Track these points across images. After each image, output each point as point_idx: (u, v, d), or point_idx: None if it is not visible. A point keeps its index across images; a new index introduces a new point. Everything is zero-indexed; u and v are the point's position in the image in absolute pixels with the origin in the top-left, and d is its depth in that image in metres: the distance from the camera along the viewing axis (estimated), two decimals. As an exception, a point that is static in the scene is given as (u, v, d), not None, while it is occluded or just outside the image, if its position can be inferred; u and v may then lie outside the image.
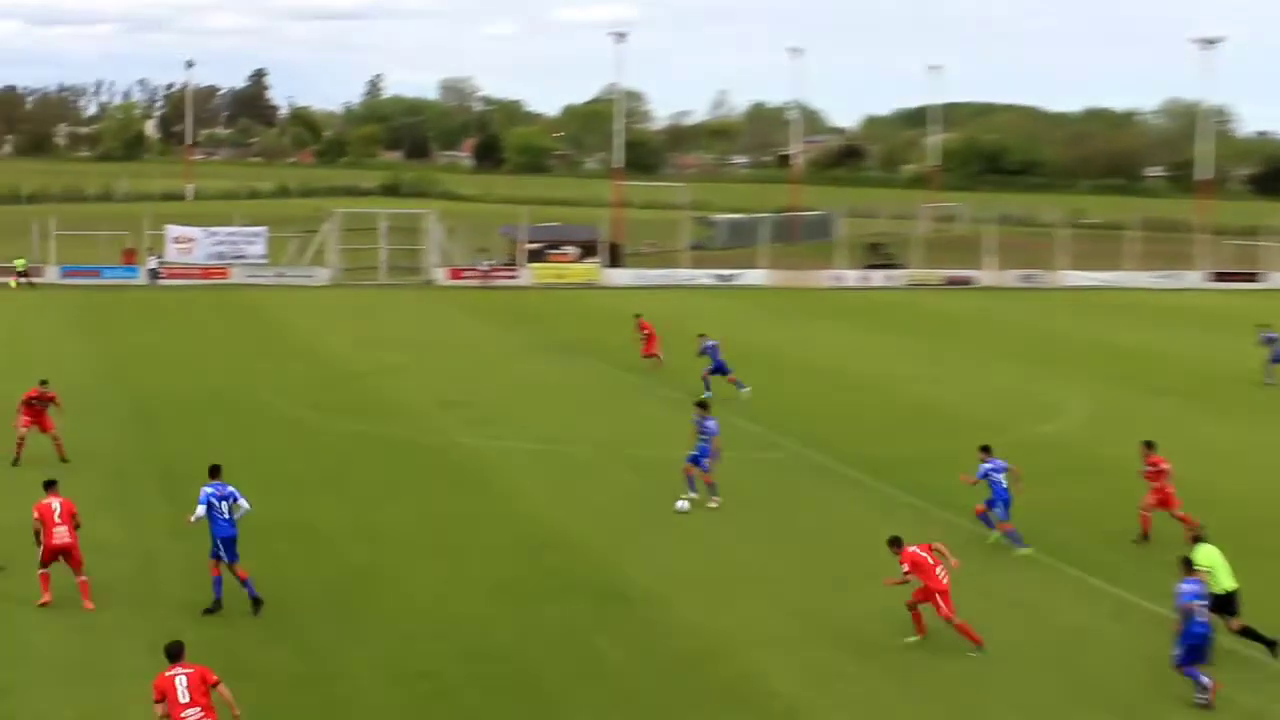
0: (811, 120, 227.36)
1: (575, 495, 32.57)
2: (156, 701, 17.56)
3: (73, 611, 23.64)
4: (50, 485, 25.02)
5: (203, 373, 48.14)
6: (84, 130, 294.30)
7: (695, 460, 31.72)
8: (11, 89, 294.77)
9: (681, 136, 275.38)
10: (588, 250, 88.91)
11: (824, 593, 26.10)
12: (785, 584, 26.59)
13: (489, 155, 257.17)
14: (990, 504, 28.85)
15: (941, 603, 22.95)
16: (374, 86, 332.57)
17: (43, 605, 23.75)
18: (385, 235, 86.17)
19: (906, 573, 23.13)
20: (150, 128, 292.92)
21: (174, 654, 18.13)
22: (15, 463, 33.72)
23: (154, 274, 79.87)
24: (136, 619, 23.60)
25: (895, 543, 23.59)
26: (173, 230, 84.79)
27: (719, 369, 45.67)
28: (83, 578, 24.13)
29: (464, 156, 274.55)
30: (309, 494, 32.13)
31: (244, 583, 24.00)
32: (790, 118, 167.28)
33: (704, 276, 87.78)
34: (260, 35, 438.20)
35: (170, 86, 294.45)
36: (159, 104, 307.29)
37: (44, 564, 24.10)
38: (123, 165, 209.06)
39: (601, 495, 32.82)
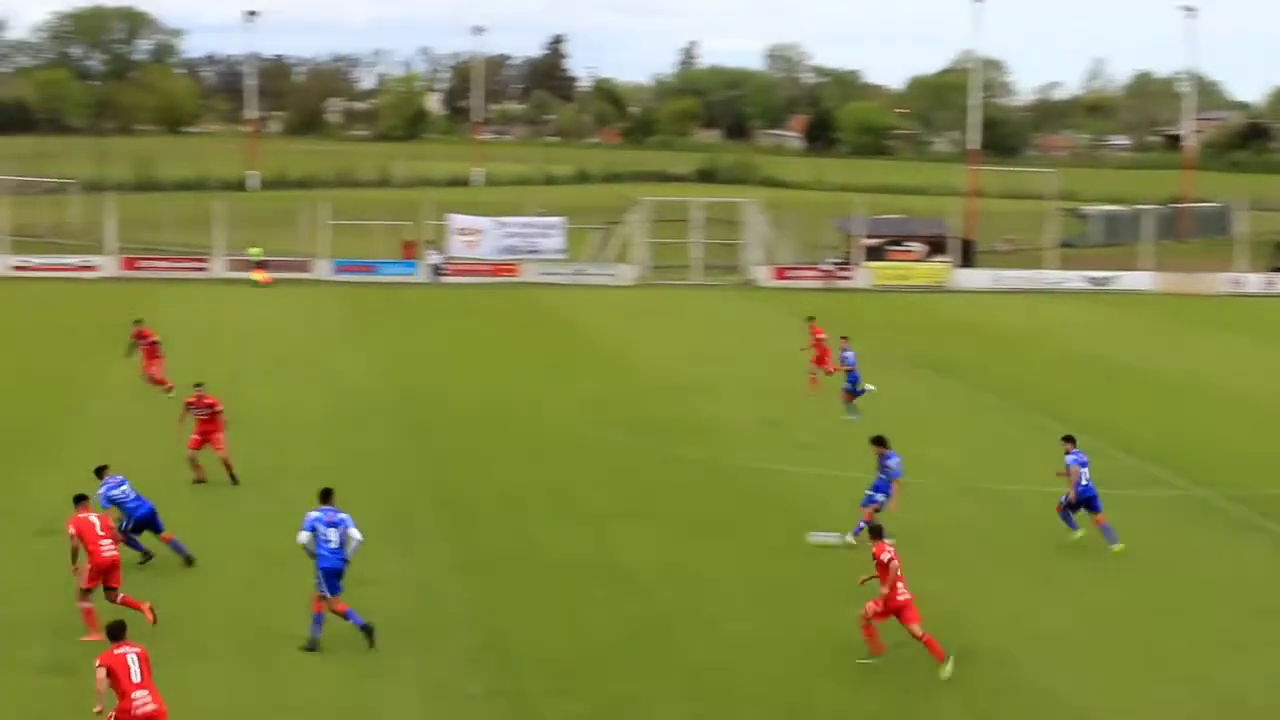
0: (1207, 94, 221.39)
1: (917, 534, 32.58)
2: (103, 676, 19.31)
3: (346, 654, 24.77)
4: (81, 500, 26.04)
5: (489, 385, 49.59)
6: (359, 106, 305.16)
7: (870, 499, 31.71)
8: (279, 59, 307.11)
9: (1048, 113, 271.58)
10: (935, 247, 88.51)
11: (1213, 657, 25.65)
12: (1165, 646, 26.20)
13: (820, 135, 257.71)
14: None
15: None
16: (688, 55, 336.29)
17: (90, 641, 23.94)
18: (700, 227, 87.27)
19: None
20: (433, 103, 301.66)
21: (117, 633, 19.92)
22: (198, 481, 35.09)
23: (436, 270, 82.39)
24: (414, 662, 24.60)
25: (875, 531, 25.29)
26: (457, 220, 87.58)
27: (854, 384, 46.12)
28: (123, 595, 25.27)
29: (791, 136, 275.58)
30: (611, 526, 32.92)
31: (346, 615, 24.83)
32: (1181, 91, 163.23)
33: (1074, 279, 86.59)
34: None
35: (456, 56, 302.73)
36: (443, 76, 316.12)
37: (88, 590, 25.06)
38: (402, 146, 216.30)
39: (949, 534, 32.75)
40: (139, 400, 45.48)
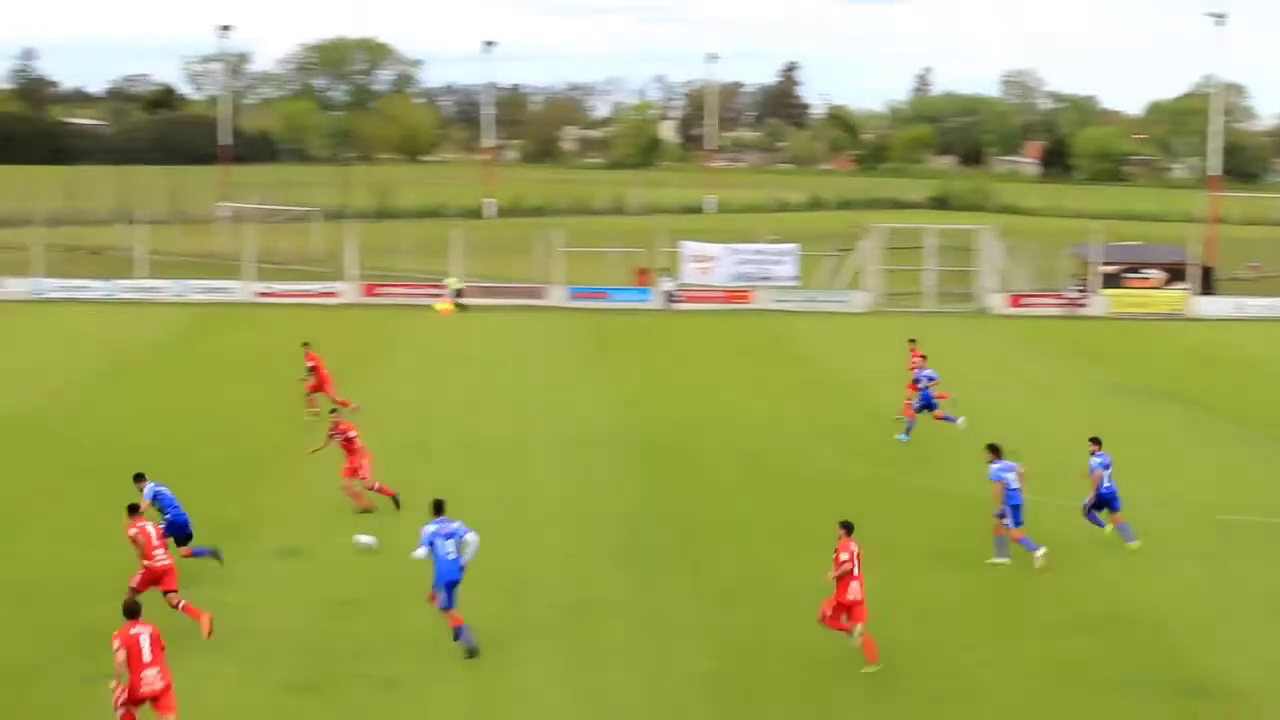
0: None
1: (1155, 566, 32.01)
2: (118, 650, 20.56)
3: (579, 676, 25.02)
4: (134, 510, 27.07)
5: (724, 412, 49.67)
6: (594, 134, 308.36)
7: (1002, 515, 31.82)
8: (515, 88, 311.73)
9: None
10: (1174, 274, 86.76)
11: None
12: None
13: (1056, 161, 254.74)
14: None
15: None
16: (922, 82, 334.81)
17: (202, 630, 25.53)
18: (933, 254, 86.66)
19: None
20: (666, 131, 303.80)
21: (133, 611, 21.12)
22: (397, 506, 35.23)
23: (670, 297, 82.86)
24: (647, 688, 24.73)
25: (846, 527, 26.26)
26: (690, 247, 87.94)
27: (927, 403, 45.50)
28: (183, 603, 26.24)
29: (1027, 163, 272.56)
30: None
31: (458, 630, 25.50)
32: None
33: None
34: (792, 25, 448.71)
35: (690, 84, 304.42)
36: (677, 104, 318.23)
37: (137, 590, 26.03)
38: (635, 173, 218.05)
39: (1188, 567, 32.15)
40: (378, 423, 46.36)
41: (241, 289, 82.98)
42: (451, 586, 25.62)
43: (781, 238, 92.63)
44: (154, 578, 26.59)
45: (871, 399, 52.68)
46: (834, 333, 72.61)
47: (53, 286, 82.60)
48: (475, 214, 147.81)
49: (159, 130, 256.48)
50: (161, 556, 26.69)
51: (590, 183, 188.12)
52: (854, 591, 25.71)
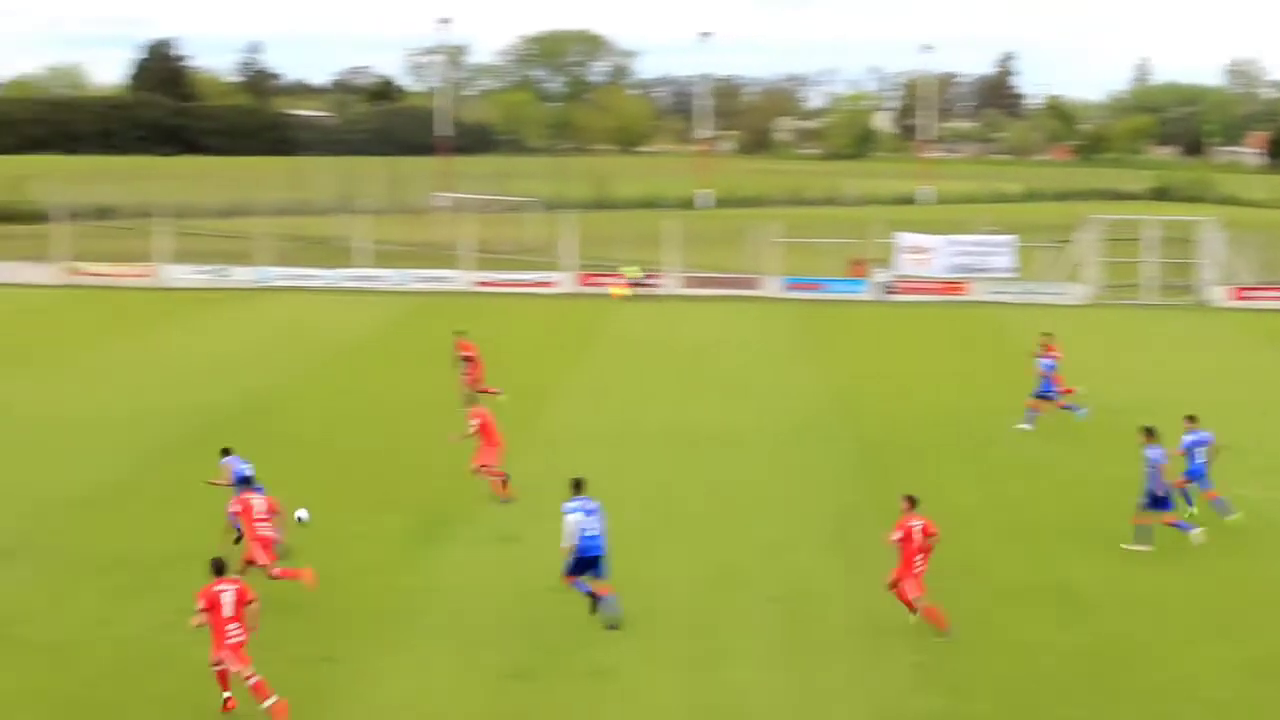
0: None
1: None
2: (202, 610, 22.04)
3: (790, 668, 24.97)
4: (247, 481, 28.40)
5: (938, 402, 49.21)
6: (809, 125, 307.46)
7: (1150, 504, 31.63)
8: (729, 79, 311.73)
9: None
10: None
11: None
12: None
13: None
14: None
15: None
16: (1142, 72, 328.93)
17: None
18: (1153, 246, 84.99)
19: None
20: (882, 121, 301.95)
21: (220, 568, 22.66)
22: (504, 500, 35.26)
23: (886, 288, 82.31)
24: (857, 679, 24.58)
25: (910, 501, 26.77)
26: (906, 239, 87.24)
27: (1046, 393, 44.81)
28: (280, 569, 27.22)
29: (1250, 153, 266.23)
30: (1059, 547, 32.35)
31: (602, 599, 26.44)
32: None
33: None
34: (1008, 14, 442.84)
35: (905, 74, 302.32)
36: (892, 94, 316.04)
37: (248, 564, 27.06)
38: (850, 164, 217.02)
39: None
40: (592, 410, 46.74)
41: (460, 278, 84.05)
42: (595, 562, 26.53)
43: (999, 229, 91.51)
44: (265, 547, 27.55)
45: (1090, 391, 51.80)
46: (1051, 325, 71.34)
47: (277, 275, 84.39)
48: (689, 205, 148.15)
49: (380, 121, 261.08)
50: (265, 528, 27.62)
51: (805, 174, 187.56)
52: (918, 565, 26.42)
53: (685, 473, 38.31)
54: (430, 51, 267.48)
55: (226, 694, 22.46)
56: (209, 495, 35.21)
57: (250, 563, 27.36)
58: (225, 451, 31.85)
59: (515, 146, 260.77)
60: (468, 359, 48.31)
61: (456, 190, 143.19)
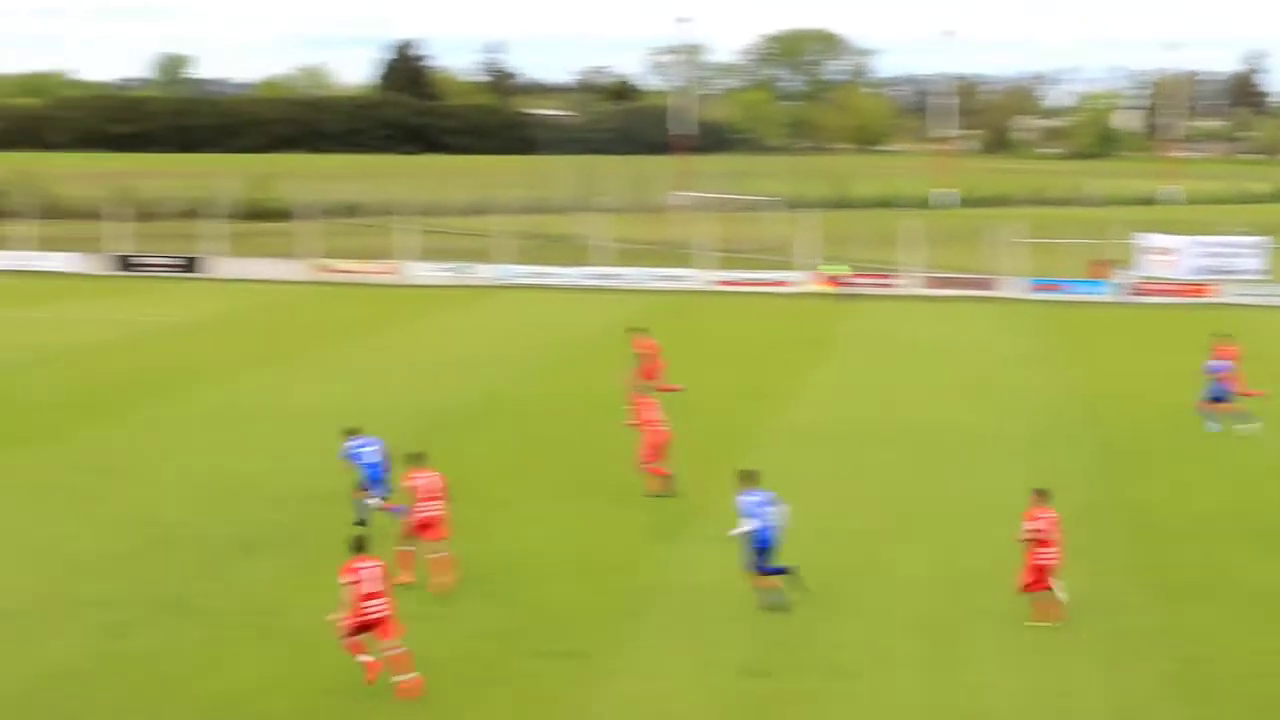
0: None
1: None
2: (349, 584, 22.67)
3: (1034, 671, 24.59)
4: (417, 458, 28.79)
5: (1182, 409, 48.02)
6: (1050, 123, 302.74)
7: None
8: (968, 78, 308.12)
9: None
10: None
11: None
12: None
13: None
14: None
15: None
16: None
17: (400, 583, 26.59)
18: None
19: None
20: (1126, 120, 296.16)
21: (360, 546, 23.30)
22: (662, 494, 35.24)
23: (1127, 289, 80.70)
24: (1103, 682, 24.10)
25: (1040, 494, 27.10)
26: (1150, 239, 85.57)
27: (1218, 396, 43.35)
28: (440, 554, 27.88)
29: None
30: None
31: (771, 584, 26.82)
32: None
33: None
34: (1255, 12, 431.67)
35: (1151, 73, 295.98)
36: (1137, 93, 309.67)
37: (408, 536, 28.15)
38: (1093, 163, 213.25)
39: None
40: (831, 409, 46.55)
41: (697, 277, 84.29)
42: (766, 552, 26.98)
43: (1249, 230, 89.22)
44: (422, 526, 28.18)
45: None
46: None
47: (518, 273, 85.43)
48: (925, 204, 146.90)
49: (619, 121, 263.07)
50: (431, 508, 28.20)
51: (1045, 173, 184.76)
52: (1047, 556, 26.47)
53: (925, 473, 37.96)
54: (670, 51, 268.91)
55: (366, 657, 22.92)
56: (451, 490, 35.77)
57: (412, 537, 28.18)
58: (350, 433, 32.35)
59: (753, 145, 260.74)
60: (644, 355, 48.31)
61: (694, 189, 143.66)
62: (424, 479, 28.51)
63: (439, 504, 28.33)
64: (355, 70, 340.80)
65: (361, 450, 31.72)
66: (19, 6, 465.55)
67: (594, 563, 29.96)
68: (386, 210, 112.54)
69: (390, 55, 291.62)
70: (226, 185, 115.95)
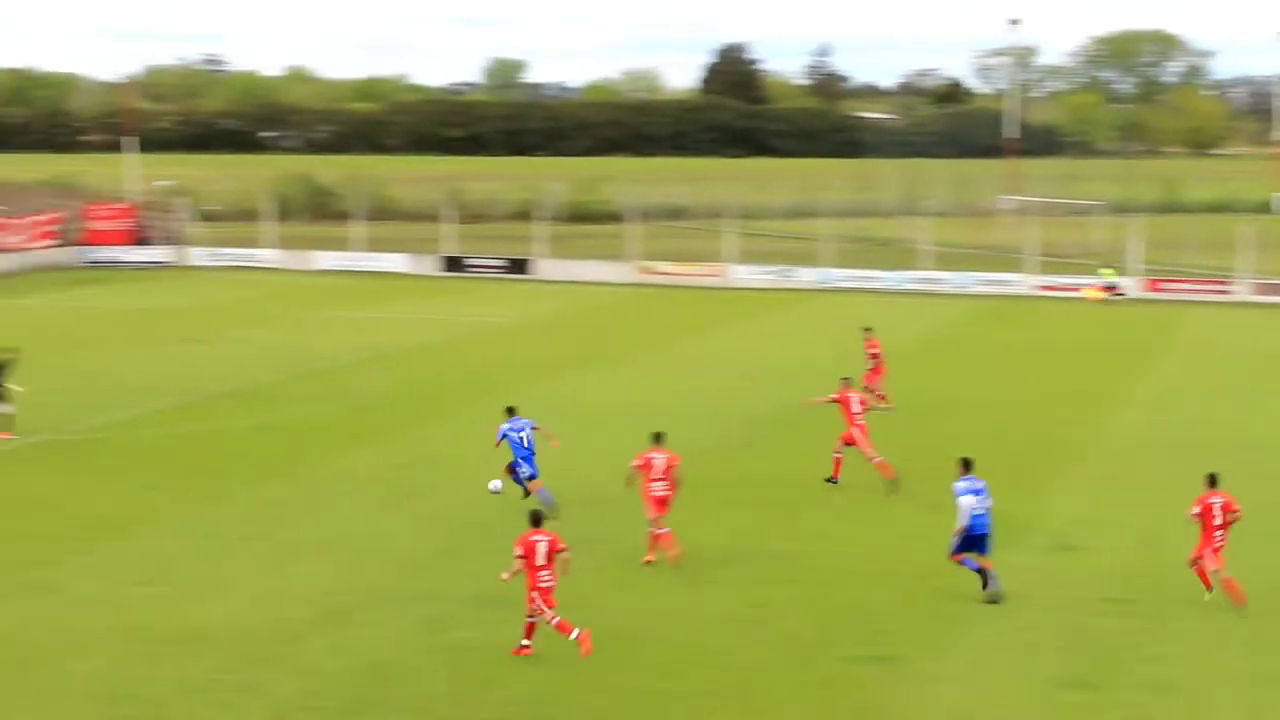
0: None
1: None
2: (519, 556, 24.10)
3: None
4: (657, 438, 30.21)
5: None
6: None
7: None
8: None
9: None
10: None
11: None
12: None
13: None
14: None
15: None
16: None
17: (646, 562, 29.59)
18: None
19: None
20: None
21: (537, 520, 24.74)
22: (831, 480, 36.22)
23: None
24: None
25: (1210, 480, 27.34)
26: None
27: None
28: (661, 530, 29.51)
29: None
30: None
31: (986, 574, 27.48)
32: None
33: None
34: None
35: None
36: None
37: (655, 518, 29.54)
38: None
39: None
40: (1160, 419, 45.41)
41: (1022, 282, 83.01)
42: (980, 539, 27.49)
43: None
44: (655, 504, 29.57)
45: None
46: None
47: (839, 276, 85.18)
48: (1265, 209, 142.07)
49: (946, 124, 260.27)
50: (659, 488, 29.57)
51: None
52: (1217, 540, 26.84)
53: (1253, 486, 36.74)
54: (999, 53, 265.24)
55: (526, 642, 24.44)
56: (767, 492, 35.87)
57: (655, 518, 29.58)
58: (510, 412, 34.14)
59: (1082, 149, 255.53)
60: (874, 355, 47.56)
61: (1022, 193, 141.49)
62: (658, 458, 29.89)
63: (667, 484, 29.63)
64: (682, 74, 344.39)
65: (513, 431, 33.50)
66: (360, 13, 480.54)
67: (912, 567, 29.66)
68: (710, 213, 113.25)
69: (716, 59, 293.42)
70: (554, 188, 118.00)
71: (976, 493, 27.49)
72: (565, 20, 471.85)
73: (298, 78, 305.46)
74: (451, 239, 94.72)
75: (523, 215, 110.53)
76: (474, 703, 22.78)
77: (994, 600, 27.30)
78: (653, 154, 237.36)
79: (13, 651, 24.42)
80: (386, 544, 31.37)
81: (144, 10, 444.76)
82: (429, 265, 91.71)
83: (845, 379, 37.88)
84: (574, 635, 23.96)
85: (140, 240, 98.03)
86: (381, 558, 30.32)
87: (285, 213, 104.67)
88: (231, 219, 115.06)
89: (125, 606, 26.84)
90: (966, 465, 27.96)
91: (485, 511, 33.74)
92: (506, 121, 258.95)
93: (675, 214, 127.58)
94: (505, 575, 24.56)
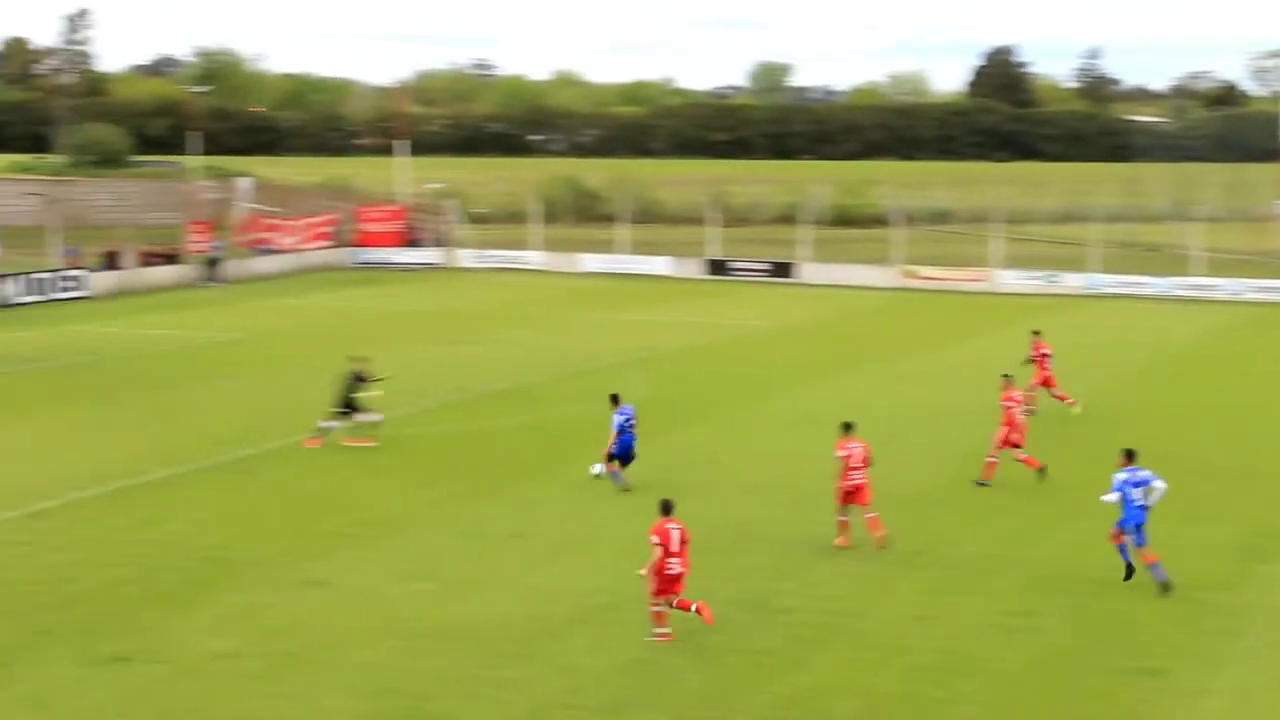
0: None
1: None
2: (656, 544, 25.14)
3: None
4: (849, 427, 31.37)
5: None
6: None
7: None
8: None
9: None
10: None
11: None
12: None
13: None
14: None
15: None
16: None
17: (837, 546, 30.93)
18: None
19: None
20: None
21: (668, 509, 25.75)
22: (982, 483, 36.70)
23: None
24: None
25: None
26: None
27: None
28: (871, 515, 30.99)
29: None
30: None
31: (1150, 566, 27.99)
32: None
33: None
34: None
35: None
36: None
37: (842, 506, 31.06)
38: None
39: None
40: None
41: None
42: (1139, 528, 28.05)
43: None
44: (846, 492, 30.92)
45: None
46: None
47: (1107, 282, 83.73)
48: None
49: (1220, 127, 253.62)
50: (856, 476, 30.85)
51: None
52: None
53: None
54: (1275, 55, 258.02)
55: (662, 629, 25.31)
56: (1033, 499, 35.38)
57: (846, 505, 31.08)
58: (615, 399, 36.98)
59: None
60: (1042, 357, 46.52)
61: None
62: (855, 448, 31.09)
63: (863, 472, 30.88)
64: (949, 77, 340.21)
65: (620, 420, 36.13)
66: (625, 17, 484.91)
67: (1181, 580, 28.93)
68: (976, 217, 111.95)
69: (984, 62, 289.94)
70: (818, 191, 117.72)
71: (1137, 484, 28.07)
72: (830, 23, 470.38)
73: (564, 81, 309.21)
74: (715, 242, 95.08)
75: (787, 219, 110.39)
76: (733, 705, 22.81)
77: (1165, 589, 27.83)
78: (918, 157, 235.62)
79: (282, 644, 25.06)
80: (646, 544, 31.55)
81: (416, 15, 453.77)
82: (693, 268, 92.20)
83: (1006, 375, 38.18)
84: (693, 608, 25.32)
85: (410, 242, 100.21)
86: (641, 557, 30.47)
87: (551, 215, 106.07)
88: (499, 221, 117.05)
89: (392, 602, 27.41)
90: (1129, 456, 28.62)
91: (743, 513, 33.84)
92: (771, 125, 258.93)
93: (940, 218, 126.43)
94: (643, 570, 25.50)
